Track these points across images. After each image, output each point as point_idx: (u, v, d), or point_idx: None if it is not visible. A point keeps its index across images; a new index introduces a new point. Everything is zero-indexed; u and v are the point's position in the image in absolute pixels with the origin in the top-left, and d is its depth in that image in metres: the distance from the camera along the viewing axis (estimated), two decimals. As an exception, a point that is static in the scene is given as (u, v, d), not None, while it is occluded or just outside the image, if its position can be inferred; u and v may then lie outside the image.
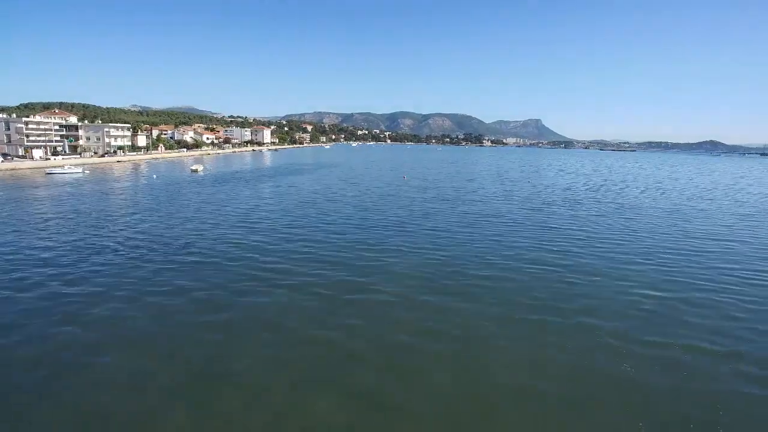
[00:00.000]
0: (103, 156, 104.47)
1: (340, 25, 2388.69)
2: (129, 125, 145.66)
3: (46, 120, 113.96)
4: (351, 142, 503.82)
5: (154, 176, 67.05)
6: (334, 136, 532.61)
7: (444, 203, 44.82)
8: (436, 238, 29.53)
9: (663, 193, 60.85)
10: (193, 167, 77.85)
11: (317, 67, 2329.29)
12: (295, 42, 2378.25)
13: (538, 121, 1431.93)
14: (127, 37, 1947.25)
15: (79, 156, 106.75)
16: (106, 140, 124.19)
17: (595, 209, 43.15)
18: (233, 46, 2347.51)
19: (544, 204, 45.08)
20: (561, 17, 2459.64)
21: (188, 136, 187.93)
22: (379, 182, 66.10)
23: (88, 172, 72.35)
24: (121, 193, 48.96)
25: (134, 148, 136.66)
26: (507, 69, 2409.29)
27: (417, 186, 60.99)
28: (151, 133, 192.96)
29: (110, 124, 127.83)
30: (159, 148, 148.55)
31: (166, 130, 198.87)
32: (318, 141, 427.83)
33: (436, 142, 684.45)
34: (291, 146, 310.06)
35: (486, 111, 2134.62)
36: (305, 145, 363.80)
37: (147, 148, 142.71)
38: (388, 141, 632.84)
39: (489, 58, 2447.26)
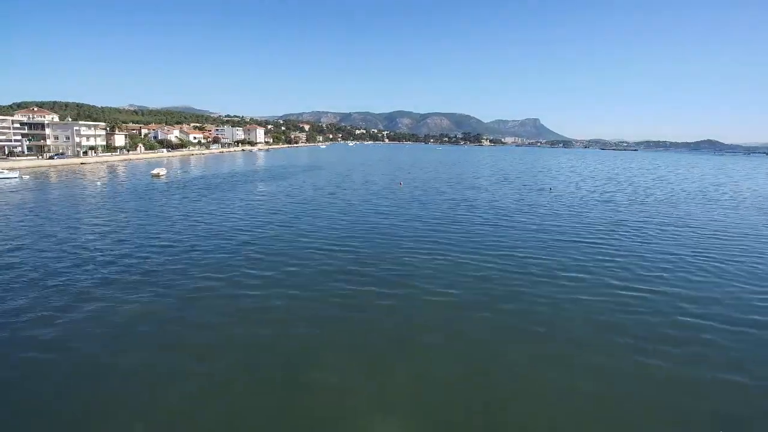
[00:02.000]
0: (52, 158, 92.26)
1: (340, 24, 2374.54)
2: (103, 124, 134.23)
3: (3, 117, 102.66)
4: (348, 142, 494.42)
5: (98, 183, 55.61)
6: (331, 136, 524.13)
7: (452, 229, 31.77)
8: (441, 315, 16.71)
9: (733, 206, 48.58)
10: (155, 171, 66.48)
11: (316, 67, 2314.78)
12: (294, 42, 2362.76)
13: (536, 120, 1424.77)
14: (127, 37, 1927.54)
15: (37, 157, 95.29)
16: (77, 140, 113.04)
17: (662, 238, 31.56)
18: (232, 45, 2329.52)
19: (590, 231, 32.05)
20: (559, 17, 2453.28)
21: (173, 135, 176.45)
22: (367, 192, 52.01)
23: (28, 176, 61.23)
24: (39, 208, 38.04)
25: (110, 148, 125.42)
26: (505, 68, 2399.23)
27: (415, 198, 47.40)
28: (140, 132, 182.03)
29: (80, 123, 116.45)
30: (138, 148, 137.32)
31: (154, 129, 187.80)
32: (315, 140, 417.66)
33: (434, 141, 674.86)
34: (285, 146, 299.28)
35: (484, 110, 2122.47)
36: (301, 144, 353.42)
37: (125, 149, 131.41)
38: (386, 140, 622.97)
39: (487, 58, 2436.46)
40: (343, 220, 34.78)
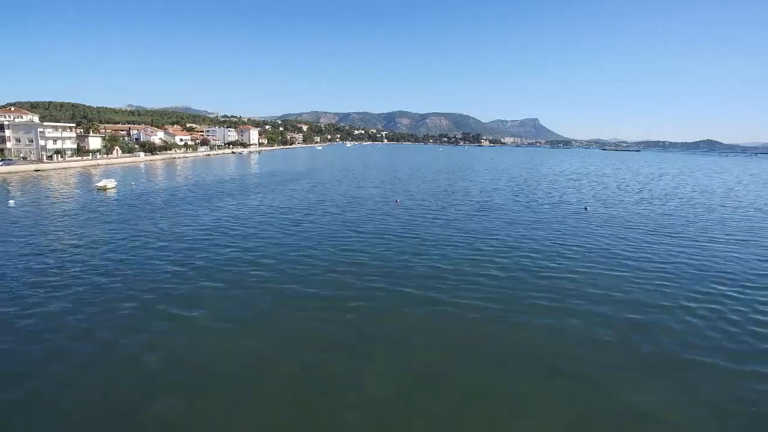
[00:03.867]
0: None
1: (339, 25, 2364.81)
2: (73, 125, 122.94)
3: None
4: (346, 142, 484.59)
5: (11, 202, 43.35)
6: (329, 136, 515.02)
7: (466, 324, 17.50)
8: None
9: None
10: (101, 184, 54.32)
11: (315, 68, 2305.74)
12: (293, 42, 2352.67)
13: (535, 120, 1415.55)
14: (127, 37, 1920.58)
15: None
16: (41, 143, 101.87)
17: None
18: (231, 46, 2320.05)
19: (681, 291, 20.95)
20: (558, 17, 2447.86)
21: (157, 137, 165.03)
22: (349, 219, 38.29)
23: None
24: None
25: (81, 151, 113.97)
26: (504, 68, 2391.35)
27: (416, 231, 33.09)
28: (129, 133, 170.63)
29: (46, 124, 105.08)
30: (115, 152, 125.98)
31: (137, 130, 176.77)
32: (312, 141, 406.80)
33: (433, 141, 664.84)
34: (280, 147, 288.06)
35: (483, 110, 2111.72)
36: (297, 145, 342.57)
37: (98, 152, 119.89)
38: (385, 141, 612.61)
39: (486, 58, 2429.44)
40: (286, 286, 21.20)
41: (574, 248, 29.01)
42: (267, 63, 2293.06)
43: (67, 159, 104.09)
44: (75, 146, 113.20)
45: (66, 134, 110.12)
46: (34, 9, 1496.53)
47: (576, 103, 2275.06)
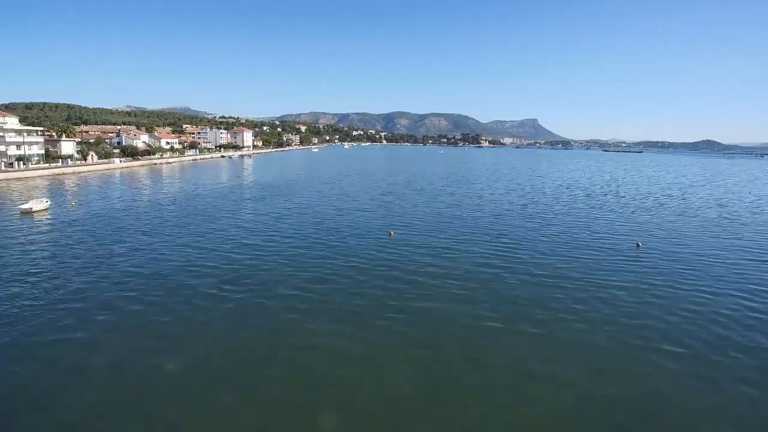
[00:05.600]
0: None
1: (339, 24, 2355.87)
2: (41, 128, 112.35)
3: None
4: (344, 143, 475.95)
5: None
6: (328, 137, 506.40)
7: None
8: None
9: None
10: (26, 207, 42.89)
11: (314, 68, 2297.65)
12: (292, 43, 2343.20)
13: (534, 120, 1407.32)
14: (127, 37, 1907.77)
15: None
16: (2, 148, 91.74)
17: None
18: (231, 46, 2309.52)
19: None
20: (557, 17, 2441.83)
21: (141, 140, 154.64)
22: (320, 269, 26.91)
23: None
24: None
25: (50, 157, 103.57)
26: (503, 68, 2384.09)
27: (411, 300, 22.20)
28: (119, 135, 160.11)
29: (6, 128, 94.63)
30: (90, 157, 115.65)
31: (123, 132, 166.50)
32: (310, 142, 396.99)
33: (432, 142, 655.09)
34: (276, 150, 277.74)
35: (482, 110, 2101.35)
36: (293, 147, 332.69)
37: (71, 158, 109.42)
38: (384, 141, 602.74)
39: (485, 58, 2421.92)
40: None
41: (650, 342, 18.07)
42: (267, 63, 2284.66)
43: (31, 166, 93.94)
44: (43, 152, 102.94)
45: (30, 138, 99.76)
46: (34, 9, 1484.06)
47: (575, 104, 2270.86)
